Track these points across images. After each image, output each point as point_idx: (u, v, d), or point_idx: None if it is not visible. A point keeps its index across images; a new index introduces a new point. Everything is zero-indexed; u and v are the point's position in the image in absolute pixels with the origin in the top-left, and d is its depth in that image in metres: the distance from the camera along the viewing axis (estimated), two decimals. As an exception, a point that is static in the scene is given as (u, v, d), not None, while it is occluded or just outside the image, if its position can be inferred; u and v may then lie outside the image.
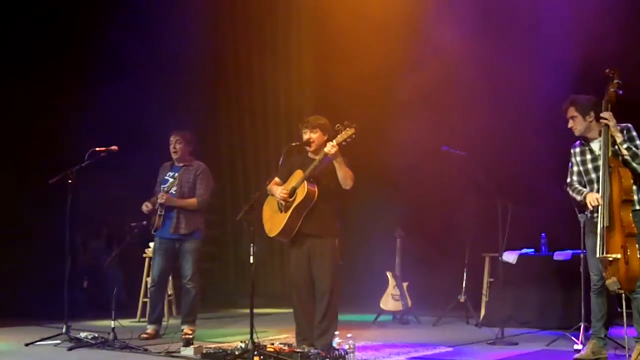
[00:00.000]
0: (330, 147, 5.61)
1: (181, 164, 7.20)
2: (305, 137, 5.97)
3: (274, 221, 5.98)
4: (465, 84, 8.68)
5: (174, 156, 7.20)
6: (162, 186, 7.08)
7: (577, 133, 5.64)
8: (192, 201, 7.07)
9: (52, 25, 9.44)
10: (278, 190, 5.93)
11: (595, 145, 5.54)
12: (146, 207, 7.09)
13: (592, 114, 5.53)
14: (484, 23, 8.63)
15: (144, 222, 6.98)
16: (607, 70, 5.42)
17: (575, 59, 7.86)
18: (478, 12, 8.69)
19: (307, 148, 5.98)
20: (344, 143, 5.61)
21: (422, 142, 8.60)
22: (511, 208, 6.72)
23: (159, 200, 6.96)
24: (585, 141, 5.64)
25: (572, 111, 5.63)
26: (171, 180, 7.04)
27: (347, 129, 5.61)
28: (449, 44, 8.54)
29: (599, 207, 5.28)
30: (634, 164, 5.29)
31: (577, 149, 5.71)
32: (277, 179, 6.08)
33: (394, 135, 9.11)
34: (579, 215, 6.09)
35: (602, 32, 7.60)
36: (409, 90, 8.75)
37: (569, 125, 5.66)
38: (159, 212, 6.97)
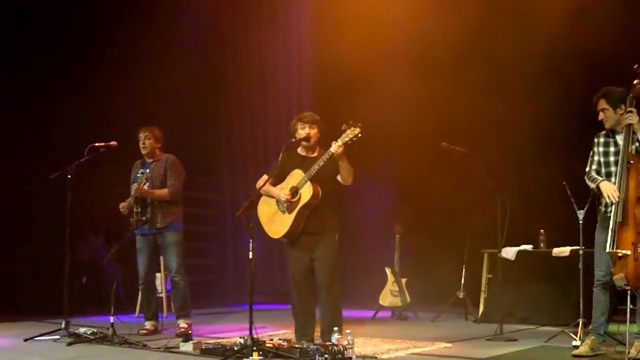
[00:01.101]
0: (337, 147, 5.58)
1: (151, 160, 7.20)
2: (304, 132, 5.95)
3: (276, 222, 5.95)
4: (465, 79, 8.67)
5: (143, 152, 7.19)
6: (134, 183, 7.07)
7: (607, 126, 5.57)
8: (164, 191, 7.04)
9: (53, 20, 9.44)
10: (278, 190, 5.91)
11: (621, 139, 5.45)
12: (122, 208, 7.08)
13: (624, 107, 5.44)
14: (486, 15, 8.61)
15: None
16: (636, 66, 5.37)
17: (578, 54, 7.87)
18: (481, 5, 8.68)
19: (305, 143, 5.97)
20: (349, 142, 5.58)
21: (421, 137, 8.61)
22: (510, 204, 6.72)
23: (132, 193, 6.96)
24: (612, 133, 5.59)
25: (603, 103, 5.56)
26: (140, 176, 7.02)
27: (353, 128, 5.58)
28: (450, 38, 8.55)
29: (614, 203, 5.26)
30: None
31: (602, 139, 5.65)
32: (265, 177, 5.99)
33: (393, 132, 9.12)
34: (578, 212, 6.09)
35: (606, 24, 7.62)
36: (408, 85, 8.76)
37: (600, 118, 5.58)
38: (134, 210, 6.96)
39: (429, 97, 8.77)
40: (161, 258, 7.61)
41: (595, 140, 5.69)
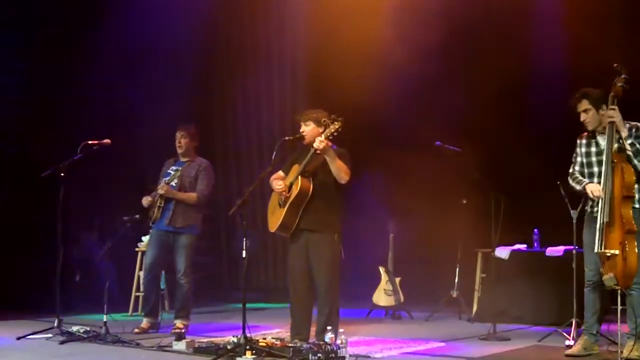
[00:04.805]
0: (319, 142, 5.65)
1: (185, 159, 7.21)
2: (301, 130, 5.99)
3: (274, 216, 6.02)
4: (459, 79, 8.66)
5: (179, 151, 7.21)
6: (164, 179, 7.09)
7: (590, 127, 5.57)
8: (192, 195, 7.06)
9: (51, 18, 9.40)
10: (276, 184, 5.96)
11: (602, 139, 5.47)
12: (146, 200, 7.10)
13: (605, 107, 5.43)
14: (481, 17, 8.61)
15: (137, 216, 6.95)
16: (615, 65, 5.35)
17: (570, 54, 7.88)
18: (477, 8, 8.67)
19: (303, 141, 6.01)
20: (331, 137, 5.66)
21: (415, 137, 8.60)
22: (504, 204, 6.72)
23: (159, 191, 6.97)
24: (593, 134, 5.60)
25: (585, 104, 5.55)
26: (173, 173, 7.05)
27: (334, 122, 5.66)
28: (445, 34, 8.54)
29: (599, 202, 5.26)
30: (635, 161, 5.28)
31: (584, 140, 5.68)
32: (281, 173, 6.11)
33: (387, 130, 9.10)
34: (572, 212, 6.09)
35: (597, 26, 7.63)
36: (403, 85, 8.75)
37: (582, 119, 5.58)
38: (157, 204, 6.98)
39: (423, 95, 8.76)
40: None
41: (578, 141, 5.74)
